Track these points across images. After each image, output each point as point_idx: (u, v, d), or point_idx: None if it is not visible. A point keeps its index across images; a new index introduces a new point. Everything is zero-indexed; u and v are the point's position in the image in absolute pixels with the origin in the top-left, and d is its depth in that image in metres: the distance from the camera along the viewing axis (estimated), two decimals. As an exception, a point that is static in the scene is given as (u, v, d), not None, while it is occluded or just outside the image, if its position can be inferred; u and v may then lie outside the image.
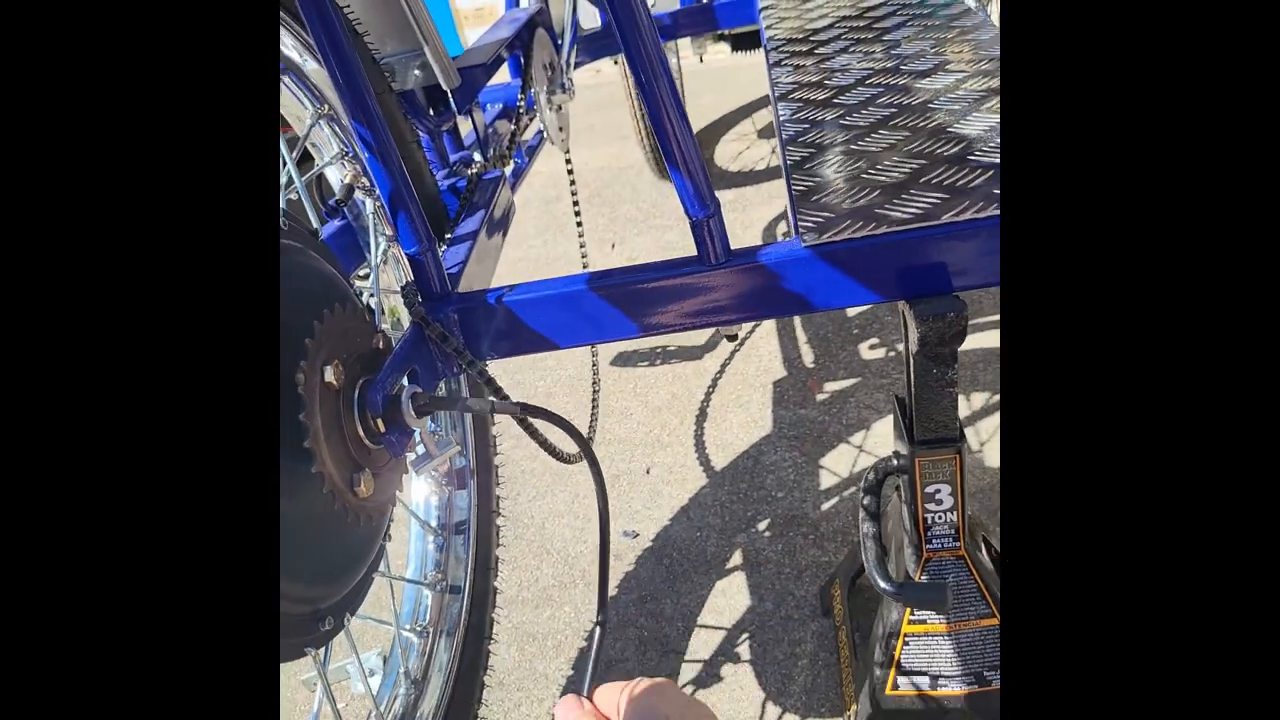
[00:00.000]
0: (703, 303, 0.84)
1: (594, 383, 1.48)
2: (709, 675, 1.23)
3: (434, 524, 1.13)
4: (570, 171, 1.67)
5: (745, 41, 2.70)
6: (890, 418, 1.61)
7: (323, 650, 0.81)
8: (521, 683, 1.27)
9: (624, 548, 1.47)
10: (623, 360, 1.98)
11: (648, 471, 1.63)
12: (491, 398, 0.83)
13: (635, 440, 1.72)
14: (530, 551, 1.50)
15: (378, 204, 1.09)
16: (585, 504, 1.59)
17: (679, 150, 0.78)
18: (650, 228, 2.60)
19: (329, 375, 0.73)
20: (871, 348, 1.84)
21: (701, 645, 1.27)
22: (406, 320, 1.15)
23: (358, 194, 1.07)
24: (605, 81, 3.91)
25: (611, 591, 1.39)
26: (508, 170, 1.34)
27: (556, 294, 0.85)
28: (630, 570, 1.43)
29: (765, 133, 3.08)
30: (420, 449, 0.81)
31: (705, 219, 0.82)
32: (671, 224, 2.60)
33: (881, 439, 1.58)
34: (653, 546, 1.46)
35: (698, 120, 3.26)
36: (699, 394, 1.83)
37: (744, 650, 1.25)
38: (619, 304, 0.84)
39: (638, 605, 1.36)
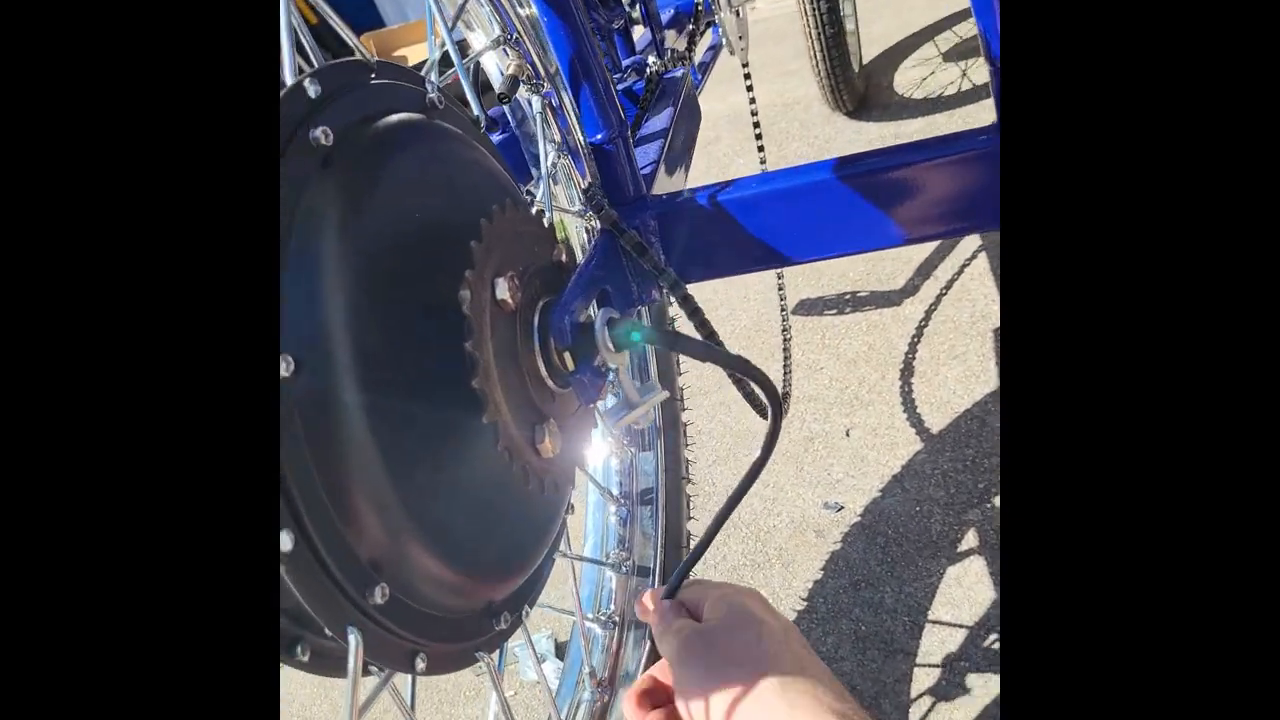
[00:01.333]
0: (1005, 190, 0.59)
1: (784, 330, 1.25)
2: (950, 684, 0.98)
3: (615, 492, 0.94)
4: (750, 88, 1.43)
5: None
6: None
7: (496, 654, 0.63)
8: (714, 681, 1.07)
9: (827, 522, 1.24)
10: (805, 308, 1.73)
11: (847, 434, 1.39)
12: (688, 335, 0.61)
13: (828, 398, 1.48)
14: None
15: (545, 103, 0.89)
16: (773, 469, 1.36)
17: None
18: (825, 164, 2.33)
19: (502, 291, 0.53)
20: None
21: (936, 646, 1.03)
22: (580, 244, 0.95)
23: (522, 90, 0.87)
24: (759, 19, 3.62)
25: (816, 574, 1.17)
26: (690, 66, 1.12)
27: (793, 187, 0.63)
28: (837, 549, 1.20)
29: (952, 55, 2.72)
30: (614, 395, 0.61)
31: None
32: (849, 159, 2.31)
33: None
34: (862, 522, 1.23)
35: (871, 48, 2.94)
36: (901, 345, 1.56)
37: (993, 656, 1.00)
38: (881, 198, 0.61)
39: (850, 592, 1.13)
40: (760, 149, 1.32)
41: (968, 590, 1.08)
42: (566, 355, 0.56)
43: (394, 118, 0.57)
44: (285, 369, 0.44)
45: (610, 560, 0.90)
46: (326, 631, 0.52)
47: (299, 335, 0.46)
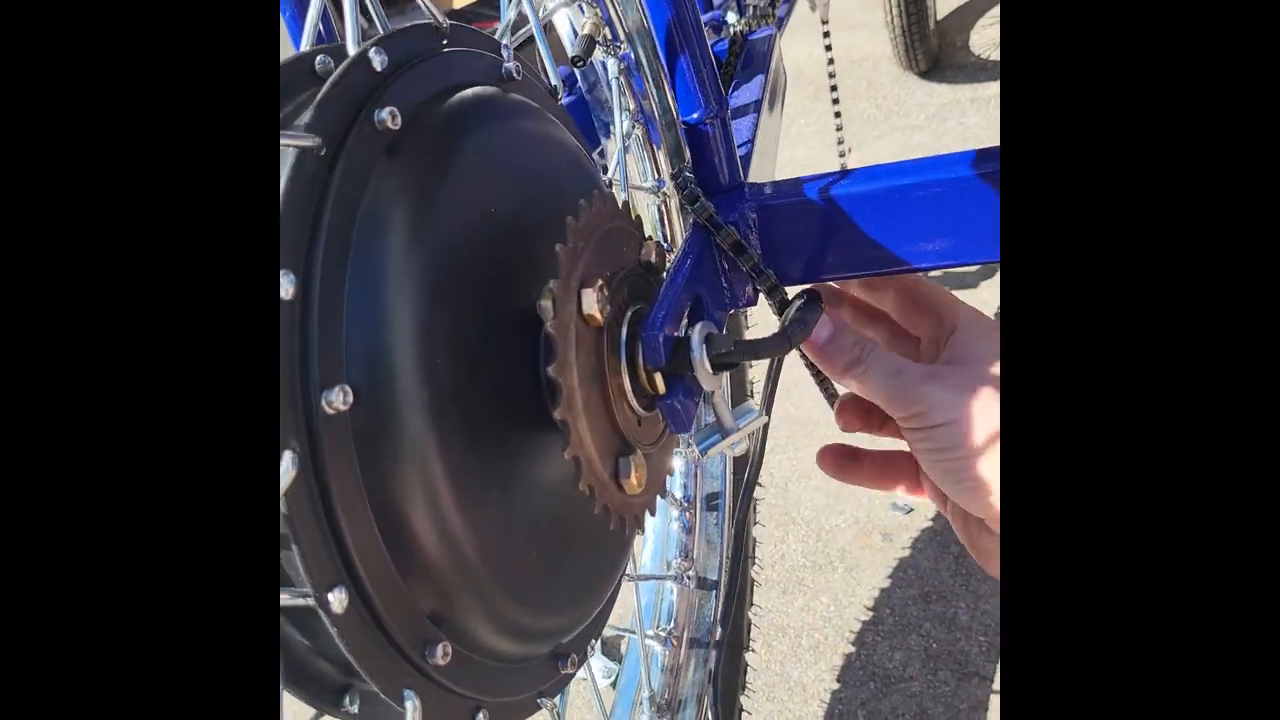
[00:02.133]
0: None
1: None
2: (1030, 715, 0.92)
3: (678, 495, 0.87)
4: (828, 46, 1.33)
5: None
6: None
7: (558, 699, 0.57)
8: (771, 690, 1.01)
9: (894, 525, 1.17)
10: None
11: (917, 427, 1.31)
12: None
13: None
14: (773, 519, 1.22)
15: (622, 66, 0.80)
16: (837, 462, 1.29)
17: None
18: (893, 129, 2.20)
19: (589, 304, 0.46)
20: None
21: (1015, 671, 0.96)
22: (650, 221, 0.87)
23: (598, 52, 0.79)
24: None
25: (883, 581, 1.10)
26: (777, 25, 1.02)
27: (922, 183, 0.54)
28: (905, 556, 1.12)
29: (1034, 15, 2.56)
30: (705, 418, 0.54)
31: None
32: (920, 124, 2.19)
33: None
34: (933, 528, 1.15)
35: (944, 3, 2.77)
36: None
37: (1079, 686, 0.93)
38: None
39: (920, 605, 1.06)
40: (837, 115, 1.23)
41: (1050, 611, 1.01)
42: (657, 376, 0.49)
43: (469, 93, 0.49)
44: (343, 401, 0.37)
45: (672, 571, 0.83)
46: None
47: (360, 362, 0.39)
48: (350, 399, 0.38)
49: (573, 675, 0.57)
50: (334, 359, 0.38)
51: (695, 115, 0.58)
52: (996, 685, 0.95)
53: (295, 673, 0.43)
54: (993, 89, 2.23)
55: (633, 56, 0.80)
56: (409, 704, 0.42)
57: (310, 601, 0.38)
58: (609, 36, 0.78)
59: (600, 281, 0.47)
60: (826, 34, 1.32)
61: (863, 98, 2.38)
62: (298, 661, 0.44)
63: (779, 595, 1.11)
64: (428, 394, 0.41)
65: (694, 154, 0.59)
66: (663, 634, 0.81)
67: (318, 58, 0.47)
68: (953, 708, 0.94)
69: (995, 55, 2.40)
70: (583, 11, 0.77)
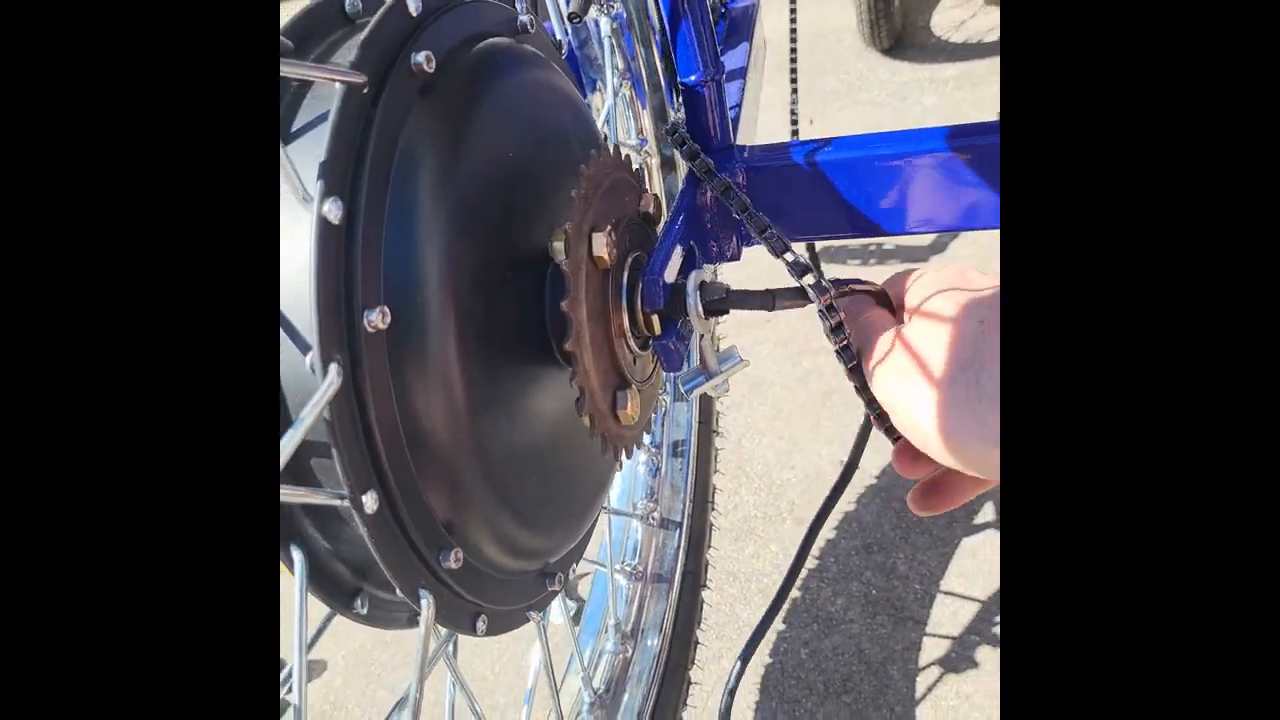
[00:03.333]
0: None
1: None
2: (959, 656, 0.99)
3: (646, 441, 0.92)
4: (793, 18, 1.36)
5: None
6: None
7: (542, 614, 0.61)
8: (722, 629, 1.07)
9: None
10: (826, 255, 1.70)
11: (867, 391, 1.37)
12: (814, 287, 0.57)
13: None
14: (727, 472, 1.28)
15: (614, 25, 0.83)
16: (789, 422, 1.35)
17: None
18: (855, 103, 2.26)
19: (599, 247, 0.50)
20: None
21: (947, 617, 1.03)
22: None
23: (592, 10, 0.82)
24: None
25: (828, 532, 1.17)
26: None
27: (900, 154, 0.59)
28: (850, 510, 1.19)
29: None
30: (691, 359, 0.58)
31: None
32: (882, 100, 2.24)
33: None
34: (877, 485, 1.22)
35: (909, -17, 2.82)
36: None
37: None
38: (994, 173, 0.57)
39: (862, 554, 1.13)
40: (794, 86, 1.26)
41: (981, 563, 1.08)
42: (654, 318, 0.53)
43: (491, 42, 0.52)
44: (382, 320, 0.40)
45: (638, 511, 0.88)
46: (395, 589, 0.49)
47: (397, 285, 0.42)
48: (389, 319, 0.41)
49: (557, 593, 0.61)
50: (374, 281, 0.41)
51: (693, 77, 0.61)
52: (930, 629, 1.03)
53: (314, 573, 0.47)
54: (951, 70, 2.29)
55: (624, 16, 0.83)
56: (424, 602, 0.46)
57: (345, 503, 0.42)
58: (604, -3, 0.80)
59: (609, 228, 0.50)
60: (793, 7, 1.36)
61: (827, 71, 2.43)
62: (316, 562, 0.47)
63: (731, 543, 1.17)
64: (454, 319, 0.45)
65: (689, 113, 0.63)
66: (628, 569, 0.86)
67: (348, 0, 0.50)
68: (888, 648, 1.01)
69: (955, 37, 2.47)
70: (580, -31, 0.79)
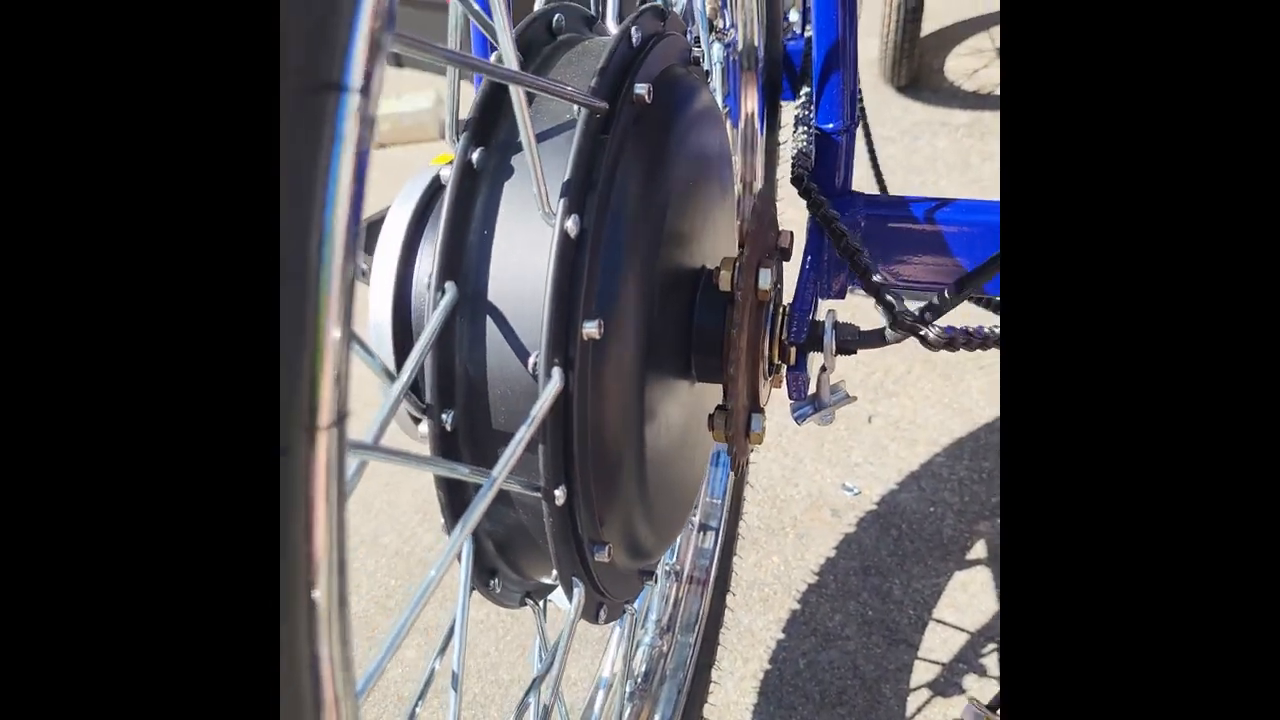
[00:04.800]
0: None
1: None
2: (947, 681, 1.06)
3: (691, 447, 0.96)
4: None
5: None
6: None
7: (634, 606, 0.65)
8: (723, 633, 1.11)
9: (843, 505, 1.29)
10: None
11: (869, 420, 1.44)
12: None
13: (853, 380, 1.52)
14: (734, 481, 1.33)
15: (726, 53, 0.87)
16: (793, 440, 1.40)
17: None
18: (868, 136, 2.32)
19: (765, 281, 0.53)
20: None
21: (939, 644, 1.10)
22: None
23: (710, 36, 0.85)
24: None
25: (829, 551, 1.22)
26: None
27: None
28: (851, 532, 1.25)
29: (1007, 54, 2.72)
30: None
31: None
32: (894, 136, 2.31)
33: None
34: (877, 511, 1.28)
35: (927, 24, 2.90)
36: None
37: (990, 664, 1.07)
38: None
39: (860, 576, 1.18)
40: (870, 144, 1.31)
41: (972, 597, 1.15)
42: (793, 350, 0.57)
43: (677, 73, 0.55)
44: (597, 331, 0.44)
45: (681, 513, 0.92)
46: (526, 574, 0.53)
47: (610, 298, 0.45)
48: (602, 330, 0.44)
49: (646, 589, 0.65)
50: (593, 294, 0.45)
51: (831, 125, 0.65)
52: (922, 654, 1.09)
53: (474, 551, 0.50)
54: (962, 117, 2.37)
55: (736, 43, 0.87)
56: (576, 590, 0.50)
57: (539, 494, 0.45)
58: (723, 24, 0.84)
59: (771, 264, 0.54)
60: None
61: (842, 99, 2.49)
62: (475, 542, 0.50)
63: (736, 551, 1.22)
64: (644, 334, 0.48)
65: (820, 158, 0.67)
66: (665, 568, 0.90)
67: (555, 16, 0.53)
68: (882, 667, 1.07)
69: (967, 85, 2.55)
70: (705, -5, 0.82)
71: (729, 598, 1.13)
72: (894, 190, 2.15)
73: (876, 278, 0.63)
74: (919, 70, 2.58)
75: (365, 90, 0.21)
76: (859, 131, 0.86)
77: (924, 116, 2.40)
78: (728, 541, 0.95)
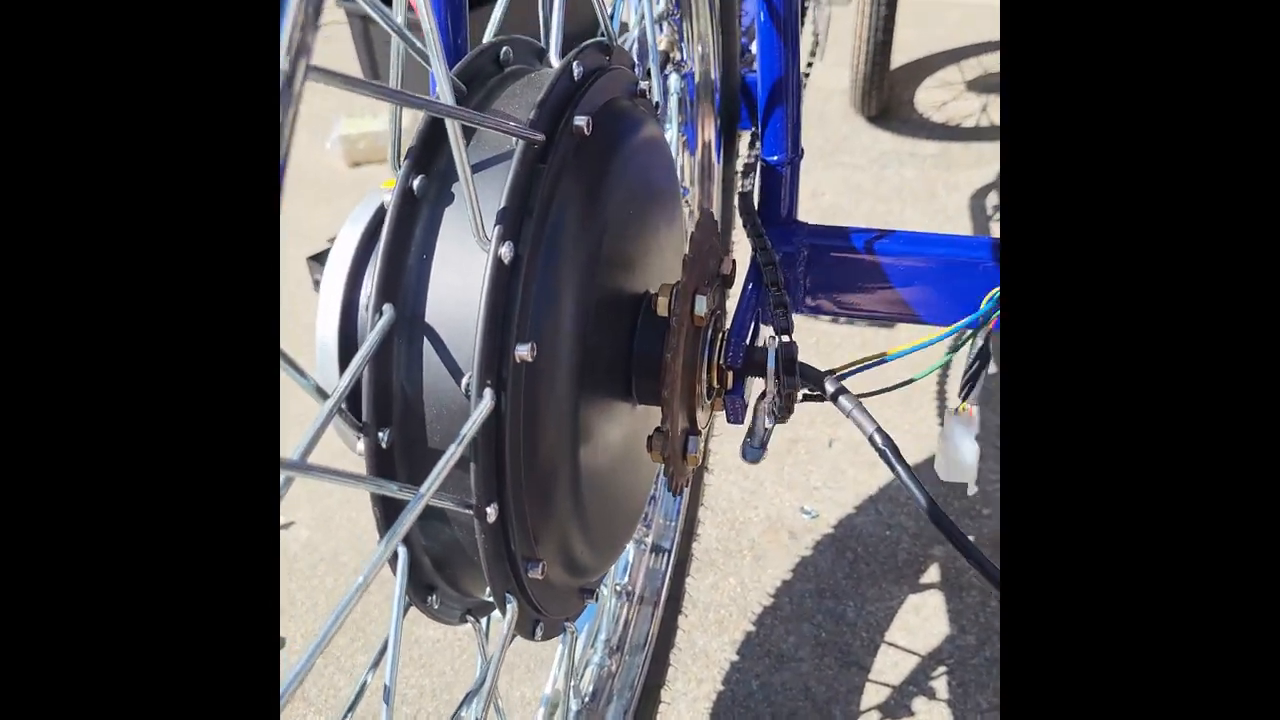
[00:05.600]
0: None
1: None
2: (898, 704, 1.07)
3: (646, 468, 0.97)
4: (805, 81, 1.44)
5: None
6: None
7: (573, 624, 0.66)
8: (678, 655, 1.12)
9: (800, 527, 1.31)
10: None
11: (830, 444, 1.46)
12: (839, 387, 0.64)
13: (814, 406, 1.53)
14: (694, 503, 1.34)
15: (683, 85, 0.89)
16: (758, 467, 1.41)
17: None
18: (837, 164, 2.36)
19: (701, 307, 0.55)
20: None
21: (890, 666, 1.11)
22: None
23: (667, 68, 0.87)
24: None
25: (785, 574, 1.24)
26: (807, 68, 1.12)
27: (949, 255, 0.66)
28: (807, 555, 1.26)
29: (976, 86, 2.78)
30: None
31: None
32: (863, 165, 2.35)
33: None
34: (834, 534, 1.29)
35: (898, 55, 2.96)
36: (890, 369, 1.63)
37: (940, 686, 1.09)
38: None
39: (814, 598, 1.20)
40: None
41: (924, 620, 1.17)
42: (730, 374, 0.59)
43: (619, 105, 0.57)
44: (530, 354, 0.45)
45: (634, 536, 0.93)
46: (464, 591, 0.54)
47: (541, 322, 0.47)
48: (535, 352, 0.46)
49: (587, 607, 0.66)
50: (527, 317, 0.46)
51: (776, 157, 0.67)
52: (873, 676, 1.10)
53: (409, 566, 0.51)
54: (930, 148, 2.42)
55: (693, 75, 0.89)
56: (510, 607, 0.51)
57: (470, 511, 0.46)
58: (678, 58, 0.86)
59: (709, 290, 0.56)
60: (809, 66, 1.44)
61: (814, 128, 2.53)
62: (410, 557, 0.51)
63: (693, 572, 1.23)
64: (577, 356, 0.50)
65: (765, 189, 0.69)
66: (618, 588, 0.91)
67: (502, 49, 0.55)
68: (834, 689, 1.09)
69: (936, 116, 2.60)
70: (660, 30, 0.85)
71: (684, 619, 1.14)
72: (860, 218, 2.19)
73: (794, 315, 0.65)
74: (889, 101, 2.63)
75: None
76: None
77: (892, 146, 2.44)
78: (680, 562, 0.96)
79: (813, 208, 2.12)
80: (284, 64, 0.26)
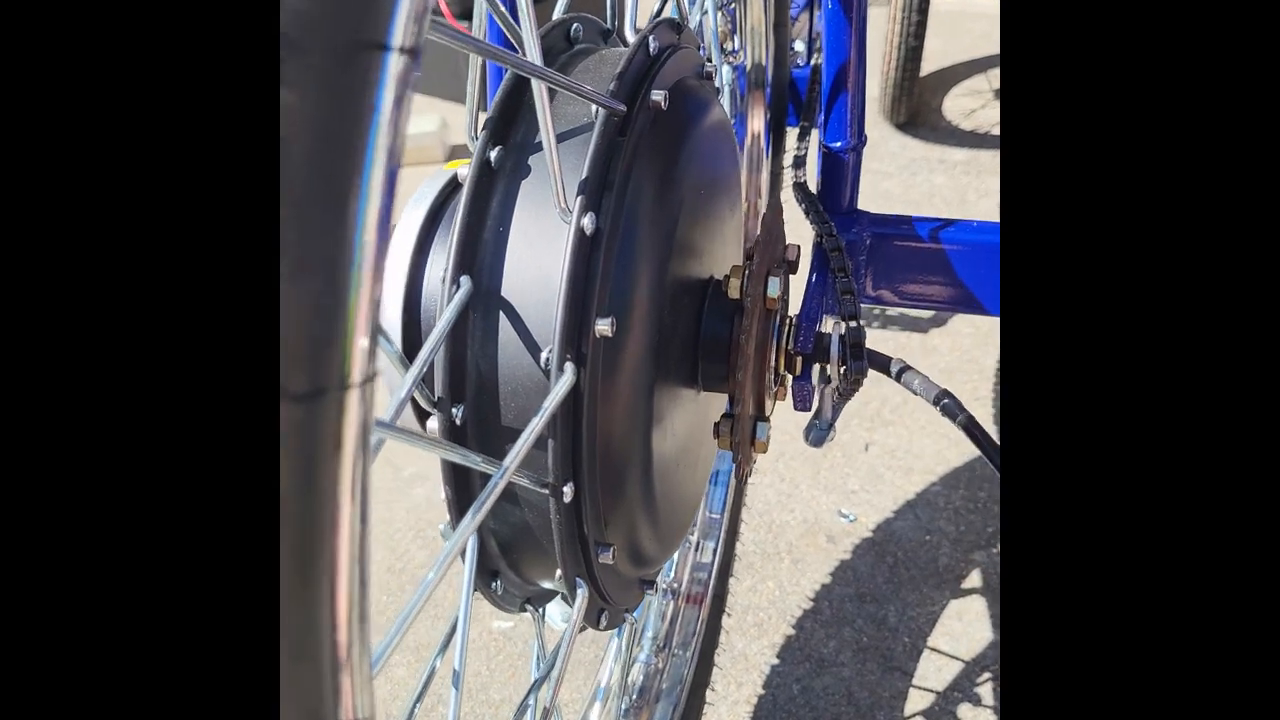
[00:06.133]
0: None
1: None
2: (942, 710, 1.05)
3: (690, 465, 0.96)
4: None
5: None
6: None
7: (636, 613, 0.64)
8: (717, 656, 1.10)
9: (838, 530, 1.29)
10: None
11: (866, 448, 1.44)
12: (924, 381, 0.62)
13: (851, 408, 1.51)
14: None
15: (734, 75, 0.88)
16: (790, 465, 1.40)
17: None
18: (867, 170, 2.33)
19: (774, 289, 0.54)
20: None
21: (933, 672, 1.09)
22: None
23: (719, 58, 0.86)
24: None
25: (824, 578, 1.22)
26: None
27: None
28: (846, 559, 1.24)
29: (1004, 95, 2.76)
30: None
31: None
32: (892, 172, 2.34)
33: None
34: (873, 538, 1.27)
35: (926, 64, 2.95)
36: (925, 373, 1.61)
37: (985, 693, 1.07)
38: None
39: (855, 603, 1.18)
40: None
41: (967, 626, 1.15)
42: (798, 360, 0.57)
43: (692, 83, 0.56)
44: (610, 329, 0.44)
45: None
46: (528, 578, 0.52)
47: (621, 297, 0.46)
48: (614, 328, 0.45)
49: (648, 598, 0.65)
50: (606, 291, 0.45)
51: (839, 144, 0.66)
52: (916, 681, 1.08)
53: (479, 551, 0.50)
54: (959, 155, 2.40)
55: (744, 67, 0.88)
56: (580, 592, 0.50)
57: (546, 491, 0.45)
58: (731, 47, 0.85)
59: (781, 272, 0.55)
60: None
61: (842, 134, 2.52)
62: (479, 540, 0.50)
63: (730, 577, 1.22)
64: (655, 335, 0.49)
65: (826, 177, 0.68)
66: (664, 585, 0.89)
67: (573, 25, 0.54)
68: (877, 694, 1.07)
69: (965, 124, 2.58)
70: (722, 17, 0.84)
71: (725, 620, 1.13)
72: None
73: (857, 301, 0.63)
74: (918, 108, 2.61)
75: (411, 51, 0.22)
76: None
77: (922, 153, 2.43)
78: (725, 560, 0.94)
79: (843, 213, 2.11)
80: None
